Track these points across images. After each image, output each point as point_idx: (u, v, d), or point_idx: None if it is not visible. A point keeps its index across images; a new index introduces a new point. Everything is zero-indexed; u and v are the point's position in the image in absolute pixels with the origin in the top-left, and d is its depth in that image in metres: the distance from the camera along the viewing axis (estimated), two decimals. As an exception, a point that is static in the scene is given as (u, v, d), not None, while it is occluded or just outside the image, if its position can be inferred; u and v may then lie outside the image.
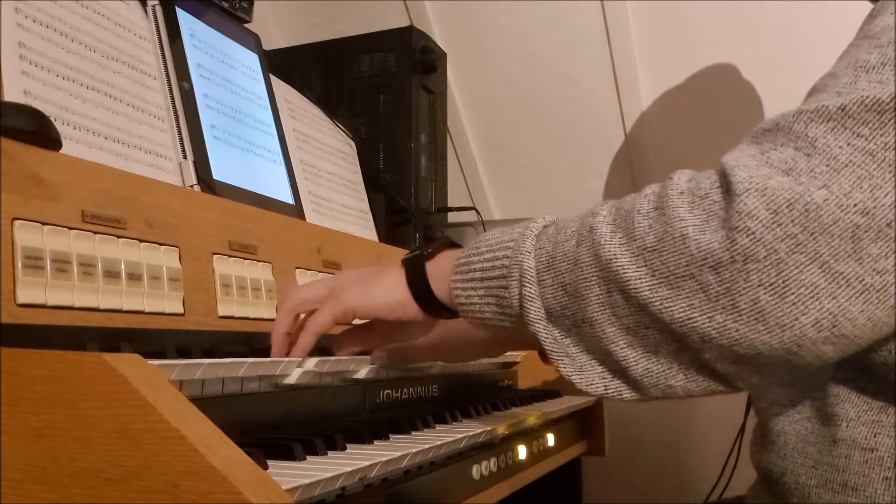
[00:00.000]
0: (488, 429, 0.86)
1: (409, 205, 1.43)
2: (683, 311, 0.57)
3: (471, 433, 0.81)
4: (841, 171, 0.53)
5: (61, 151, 0.70)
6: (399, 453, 0.66)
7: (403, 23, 1.66)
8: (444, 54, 1.58)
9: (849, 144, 0.54)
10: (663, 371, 0.61)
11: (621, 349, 0.61)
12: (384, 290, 0.76)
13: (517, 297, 0.66)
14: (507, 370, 1.33)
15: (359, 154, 1.39)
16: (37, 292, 0.64)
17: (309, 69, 1.51)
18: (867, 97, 0.54)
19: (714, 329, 0.56)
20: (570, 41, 1.72)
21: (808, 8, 1.52)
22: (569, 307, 0.63)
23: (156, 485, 0.47)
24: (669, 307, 0.57)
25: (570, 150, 1.84)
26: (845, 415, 0.66)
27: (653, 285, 0.58)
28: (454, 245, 0.77)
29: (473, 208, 1.64)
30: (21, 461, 0.50)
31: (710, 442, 1.54)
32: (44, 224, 0.66)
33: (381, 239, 1.33)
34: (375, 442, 0.73)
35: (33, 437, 0.50)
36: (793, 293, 0.53)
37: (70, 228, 0.68)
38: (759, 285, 0.54)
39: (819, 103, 0.56)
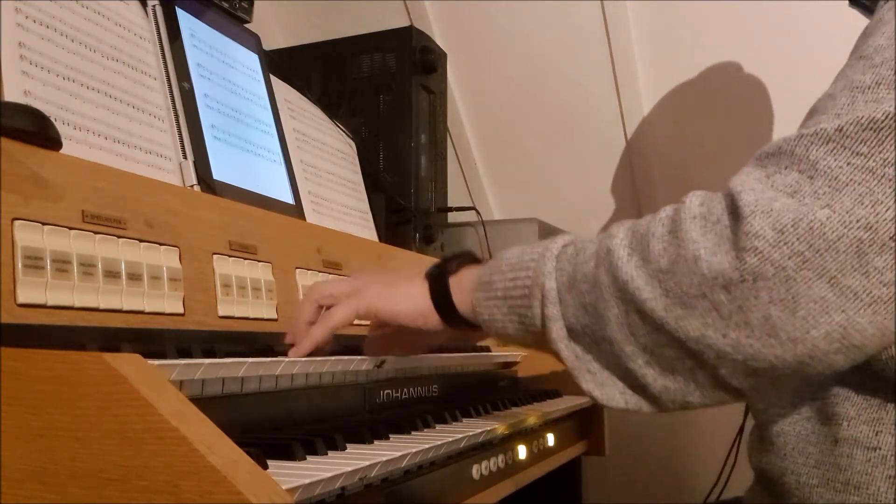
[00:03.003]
0: (488, 429, 0.86)
1: (409, 205, 1.43)
2: (698, 330, 0.59)
3: (471, 433, 0.81)
4: (842, 190, 0.55)
5: (61, 151, 0.70)
6: (399, 453, 0.66)
7: (403, 23, 1.66)
8: (444, 54, 1.57)
9: (848, 164, 0.55)
10: (680, 388, 0.63)
11: (640, 367, 0.63)
12: (407, 298, 0.79)
13: (539, 316, 0.69)
14: (506, 370, 1.33)
15: (359, 154, 1.39)
16: (37, 292, 0.64)
17: (309, 69, 1.51)
18: (863, 117, 0.56)
19: (728, 345, 0.58)
20: (570, 41, 1.72)
21: (806, 8, 1.52)
22: (589, 326, 0.66)
23: (156, 485, 0.47)
24: (684, 326, 0.59)
25: (570, 150, 1.84)
26: (845, 413, 0.66)
27: (667, 305, 0.60)
28: (476, 260, 0.80)
29: (473, 208, 1.64)
30: (21, 461, 0.50)
31: (710, 442, 1.54)
32: (44, 224, 0.66)
33: (381, 239, 1.33)
34: (375, 442, 0.73)
35: (33, 437, 0.50)
36: (803, 308, 0.55)
37: (70, 228, 0.68)
38: (769, 302, 0.55)
39: (818, 126, 0.58)
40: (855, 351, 0.56)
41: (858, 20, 0.81)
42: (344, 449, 0.68)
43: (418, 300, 0.78)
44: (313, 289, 0.85)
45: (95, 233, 0.70)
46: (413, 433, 0.80)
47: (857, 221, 0.54)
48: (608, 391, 0.66)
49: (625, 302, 0.62)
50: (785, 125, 1.62)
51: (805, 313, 0.55)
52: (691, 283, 0.58)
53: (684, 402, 0.64)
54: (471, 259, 0.80)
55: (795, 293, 0.55)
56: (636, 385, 0.65)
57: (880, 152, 0.54)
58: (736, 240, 0.57)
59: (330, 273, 1.03)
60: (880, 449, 0.65)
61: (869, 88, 0.58)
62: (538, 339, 0.70)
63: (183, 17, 1.02)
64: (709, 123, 1.70)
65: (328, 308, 0.82)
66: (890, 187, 0.54)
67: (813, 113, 0.63)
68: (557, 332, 0.67)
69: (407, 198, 1.43)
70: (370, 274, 0.87)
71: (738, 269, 0.56)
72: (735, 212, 0.58)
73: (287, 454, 0.62)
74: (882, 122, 0.55)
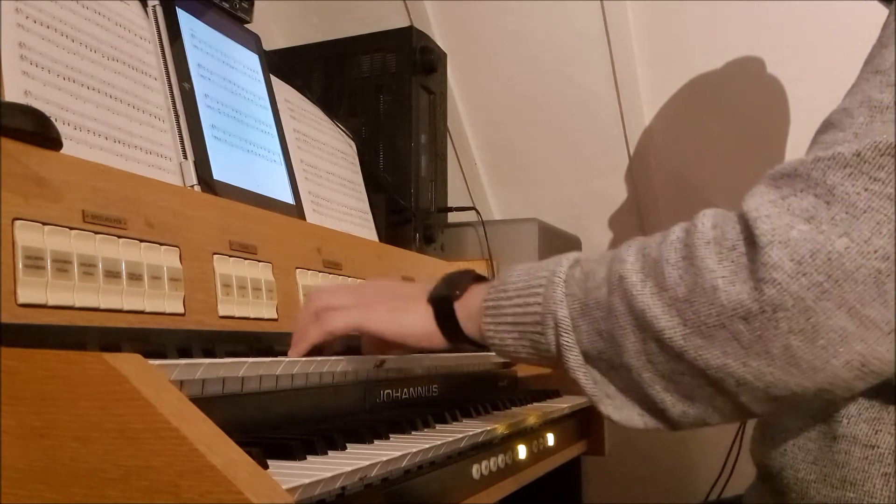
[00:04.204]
0: (488, 429, 0.86)
1: (409, 205, 1.43)
2: (718, 359, 0.59)
3: (471, 433, 0.81)
4: (860, 217, 0.54)
5: (62, 151, 0.70)
6: (399, 453, 0.66)
7: (403, 23, 1.66)
8: (444, 54, 1.58)
9: (866, 190, 0.55)
10: (699, 413, 0.63)
11: (658, 392, 0.64)
12: (412, 322, 0.79)
13: (554, 343, 0.68)
14: (506, 370, 1.33)
15: (359, 154, 1.39)
16: (37, 292, 0.64)
17: (309, 69, 1.51)
18: (881, 142, 0.55)
19: (749, 373, 0.58)
20: (570, 41, 1.72)
21: (808, 7, 1.52)
22: (605, 352, 0.66)
23: (156, 484, 0.47)
24: (704, 355, 0.59)
25: (570, 150, 1.84)
26: (846, 411, 0.67)
27: (686, 334, 0.59)
28: (479, 278, 0.79)
29: (473, 208, 1.64)
30: (21, 461, 0.50)
31: (710, 441, 1.55)
32: (44, 224, 0.66)
33: (381, 239, 1.33)
34: (375, 441, 0.73)
35: (33, 437, 0.50)
36: (823, 338, 0.55)
37: (71, 228, 0.68)
38: (789, 332, 0.55)
39: (836, 150, 0.57)
40: (874, 377, 0.57)
41: (866, 18, 0.81)
42: (344, 449, 0.68)
43: (423, 323, 0.78)
44: (313, 297, 0.83)
45: (96, 233, 0.70)
46: (413, 433, 0.80)
47: (875, 252, 0.53)
48: (626, 413, 0.67)
49: (641, 330, 0.62)
50: (786, 122, 1.62)
51: (825, 343, 0.55)
52: (710, 313, 0.58)
53: (703, 424, 0.64)
54: (473, 278, 0.79)
55: (815, 324, 0.55)
56: (654, 409, 0.65)
57: None
58: (754, 270, 0.56)
59: (330, 273, 1.03)
60: (878, 447, 0.65)
61: (887, 108, 0.58)
62: (552, 362, 0.71)
63: (183, 17, 1.03)
64: (709, 123, 1.70)
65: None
66: None
67: (828, 127, 0.62)
68: (574, 360, 0.68)
69: (407, 198, 1.43)
70: (371, 288, 0.85)
71: (757, 300, 0.56)
72: (751, 239, 0.57)
73: (287, 454, 0.62)
74: None
